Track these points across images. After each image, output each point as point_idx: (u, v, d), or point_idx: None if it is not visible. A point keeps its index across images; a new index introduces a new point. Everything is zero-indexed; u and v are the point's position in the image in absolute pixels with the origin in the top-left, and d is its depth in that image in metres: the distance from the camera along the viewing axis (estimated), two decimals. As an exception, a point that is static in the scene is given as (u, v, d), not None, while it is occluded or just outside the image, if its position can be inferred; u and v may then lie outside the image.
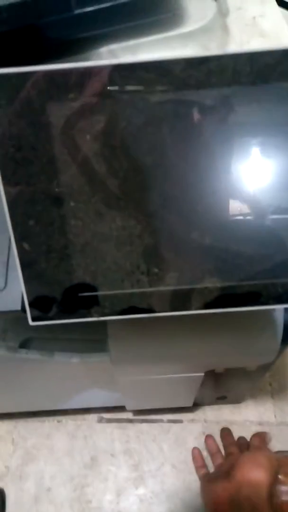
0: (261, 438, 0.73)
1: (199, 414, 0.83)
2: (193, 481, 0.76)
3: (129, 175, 0.31)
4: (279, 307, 0.36)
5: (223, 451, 0.73)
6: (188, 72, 0.28)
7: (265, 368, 0.60)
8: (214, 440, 0.77)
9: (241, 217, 0.32)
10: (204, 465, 0.74)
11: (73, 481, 0.77)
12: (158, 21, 0.44)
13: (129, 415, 0.82)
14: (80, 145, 0.30)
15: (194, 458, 0.76)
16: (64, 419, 0.82)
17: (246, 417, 0.83)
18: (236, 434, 0.79)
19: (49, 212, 0.32)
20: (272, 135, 0.30)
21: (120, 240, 0.33)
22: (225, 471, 0.58)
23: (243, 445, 0.68)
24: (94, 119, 0.29)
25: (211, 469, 0.72)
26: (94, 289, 0.35)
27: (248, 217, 0.32)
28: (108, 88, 0.29)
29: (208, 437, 0.78)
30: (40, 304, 0.35)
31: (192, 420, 0.82)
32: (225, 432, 0.76)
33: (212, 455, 0.75)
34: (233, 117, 0.29)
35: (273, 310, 0.50)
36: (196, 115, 0.29)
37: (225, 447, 0.74)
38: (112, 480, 0.77)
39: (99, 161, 0.31)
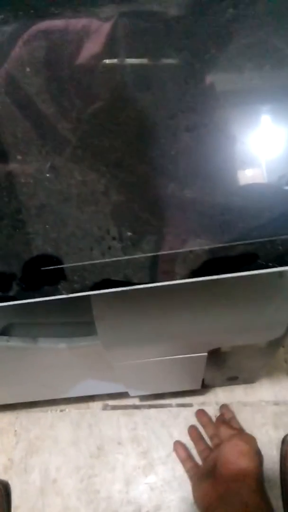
0: (228, 421, 0.70)
1: (210, 396, 0.78)
2: (206, 467, 0.71)
3: (84, 116, 0.25)
4: (281, 270, 0.30)
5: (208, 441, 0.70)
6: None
7: (276, 343, 0.55)
8: (197, 429, 0.73)
9: (226, 161, 0.26)
10: (189, 457, 0.69)
11: (80, 472, 0.73)
12: None
13: (135, 401, 0.78)
14: (19, 81, 0.24)
15: (176, 452, 0.71)
16: (67, 408, 0.79)
17: (261, 397, 0.77)
18: (250, 416, 0.75)
19: (-8, 169, 0.26)
20: (253, 52, 0.24)
21: (82, 198, 0.27)
22: (212, 465, 0.56)
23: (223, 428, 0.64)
24: (32, 46, 0.24)
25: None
26: (58, 261, 0.29)
27: (236, 159, 0.26)
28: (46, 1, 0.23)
29: (191, 427, 0.73)
30: (-2, 282, 0.30)
31: (203, 403, 0.77)
32: (202, 417, 0.73)
33: (195, 443, 0.71)
34: (205, 29, 0.23)
35: (280, 277, 0.44)
36: (158, 30, 0.23)
37: (208, 436, 0.71)
38: (120, 469, 0.73)
39: (45, 100, 0.25)
